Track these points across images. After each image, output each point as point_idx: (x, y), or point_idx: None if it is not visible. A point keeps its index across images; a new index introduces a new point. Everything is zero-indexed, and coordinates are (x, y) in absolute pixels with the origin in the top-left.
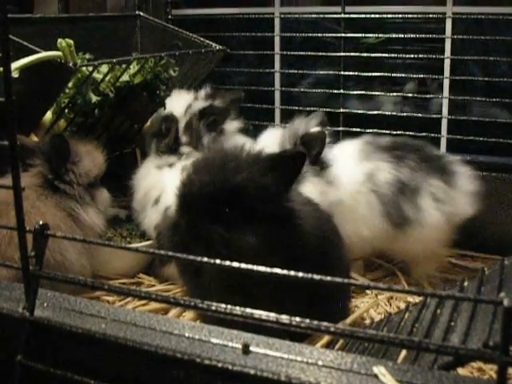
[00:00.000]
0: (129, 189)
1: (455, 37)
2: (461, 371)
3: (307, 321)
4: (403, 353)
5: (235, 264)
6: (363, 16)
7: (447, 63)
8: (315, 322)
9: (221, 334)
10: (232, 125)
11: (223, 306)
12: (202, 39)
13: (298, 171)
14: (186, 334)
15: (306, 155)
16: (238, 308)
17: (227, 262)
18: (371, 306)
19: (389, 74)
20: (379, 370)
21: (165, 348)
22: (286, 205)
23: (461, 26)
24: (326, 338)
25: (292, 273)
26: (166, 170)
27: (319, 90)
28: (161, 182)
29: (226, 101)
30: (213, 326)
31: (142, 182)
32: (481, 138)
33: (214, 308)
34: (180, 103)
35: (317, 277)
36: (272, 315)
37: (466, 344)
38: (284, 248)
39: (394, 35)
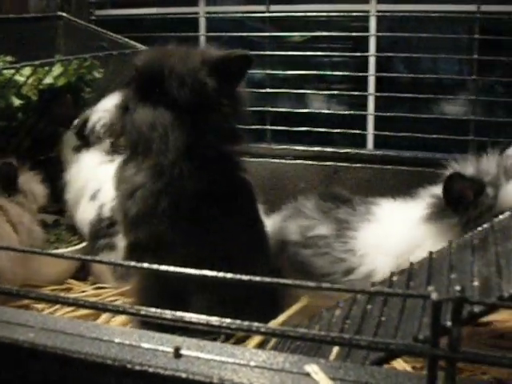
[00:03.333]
0: (55, 193)
1: (379, 34)
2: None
3: (238, 322)
4: (335, 349)
5: (164, 268)
6: (288, 14)
7: (372, 61)
8: (246, 323)
9: (151, 338)
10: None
11: (153, 309)
12: (126, 40)
13: (242, 74)
14: (116, 340)
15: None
16: (168, 311)
17: (155, 266)
18: (303, 304)
19: (316, 72)
20: (312, 368)
21: (94, 355)
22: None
23: (385, 24)
24: (258, 338)
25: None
26: (105, 165)
27: (247, 90)
28: (100, 177)
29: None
30: (143, 330)
31: (79, 175)
32: (406, 134)
33: (143, 312)
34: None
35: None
36: (202, 317)
37: (397, 338)
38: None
39: (318, 33)
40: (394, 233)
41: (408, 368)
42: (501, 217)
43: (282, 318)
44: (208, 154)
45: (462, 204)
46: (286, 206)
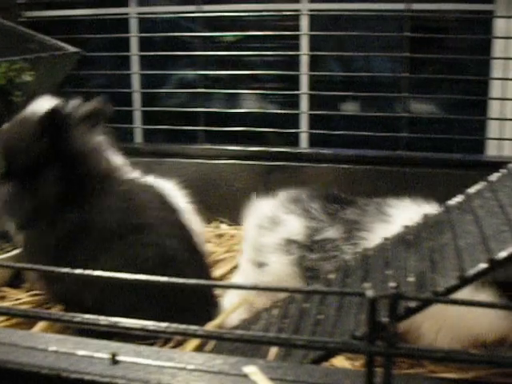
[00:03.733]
0: None
1: (311, 33)
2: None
3: (174, 325)
4: (274, 349)
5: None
6: (219, 14)
7: (304, 60)
8: (182, 326)
9: (87, 345)
10: (96, 135)
11: (87, 316)
12: (56, 42)
13: (58, 128)
14: (52, 348)
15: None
16: (102, 317)
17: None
18: (241, 304)
19: (248, 72)
20: (250, 369)
21: (30, 364)
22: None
23: (318, 23)
24: (196, 341)
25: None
26: None
27: (179, 90)
28: None
29: (90, 110)
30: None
31: None
32: (339, 132)
33: (78, 319)
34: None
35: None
36: (138, 323)
37: (335, 336)
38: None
39: (250, 33)
40: None
41: (348, 365)
42: (434, 211)
43: (219, 320)
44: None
45: None
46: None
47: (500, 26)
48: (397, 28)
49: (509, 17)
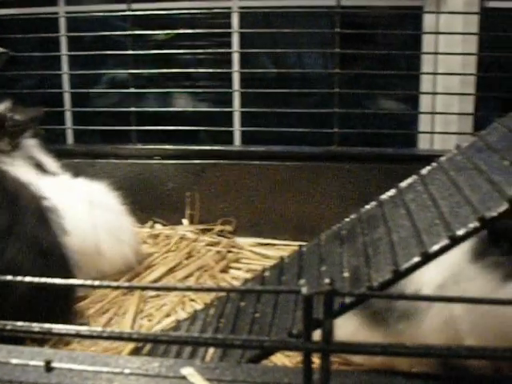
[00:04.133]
0: None
1: (241, 31)
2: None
3: (108, 330)
4: (212, 349)
5: None
6: (150, 13)
7: (236, 57)
8: (117, 330)
9: (21, 353)
10: (30, 141)
11: (20, 323)
12: None
13: None
14: None
15: None
16: (35, 324)
17: None
18: (177, 305)
19: (180, 70)
20: (187, 370)
21: None
22: None
23: (250, 20)
24: (132, 345)
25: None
26: None
27: (111, 91)
28: None
29: (25, 116)
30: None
31: None
32: (272, 129)
33: (9, 327)
34: None
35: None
36: (72, 328)
37: (272, 334)
38: None
39: (181, 31)
40: None
41: (288, 362)
42: (367, 206)
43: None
44: None
45: None
46: None
47: (429, 21)
48: (328, 24)
49: (438, 12)
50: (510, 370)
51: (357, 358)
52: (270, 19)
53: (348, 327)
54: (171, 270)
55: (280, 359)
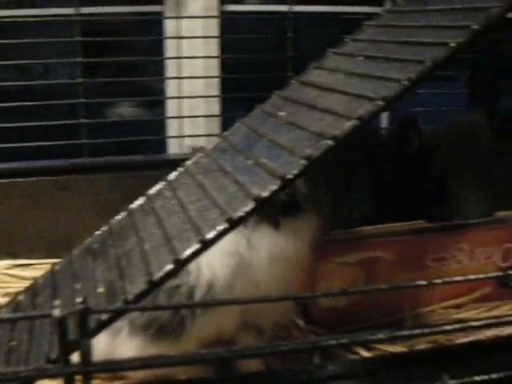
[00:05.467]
0: None
1: None
2: None
3: None
4: None
5: None
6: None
7: None
8: None
9: None
10: None
11: None
12: None
13: None
14: None
15: None
16: None
17: None
18: None
19: None
20: None
21: None
22: None
23: None
24: None
25: None
26: None
27: None
28: None
29: None
30: None
31: None
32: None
33: None
34: None
35: None
36: None
37: (30, 363)
38: None
39: None
40: None
41: None
42: (117, 217)
43: None
44: None
45: None
46: None
47: (170, 26)
48: (70, 33)
49: (178, 17)
50: (276, 364)
51: (140, 374)
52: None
53: (133, 347)
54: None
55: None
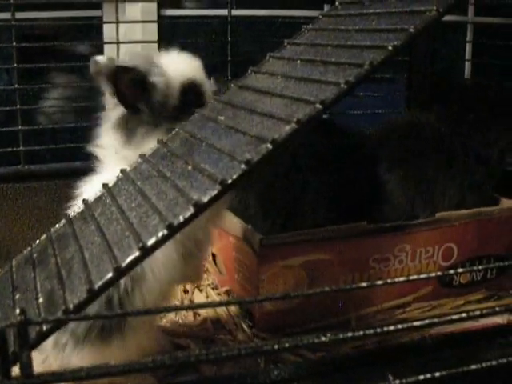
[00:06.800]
0: None
1: None
2: None
3: None
4: None
5: None
6: None
7: None
8: None
9: None
10: None
11: None
12: None
13: None
14: None
15: None
16: None
17: None
18: None
19: None
20: None
21: None
22: None
23: None
24: None
25: None
26: None
27: None
28: None
29: None
30: None
31: None
32: None
33: None
34: None
35: None
36: None
37: None
38: None
39: None
40: None
41: None
42: (57, 225)
43: None
44: None
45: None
46: None
47: (109, 30)
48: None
49: (115, 22)
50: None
51: None
52: None
53: (80, 358)
54: None
55: None
